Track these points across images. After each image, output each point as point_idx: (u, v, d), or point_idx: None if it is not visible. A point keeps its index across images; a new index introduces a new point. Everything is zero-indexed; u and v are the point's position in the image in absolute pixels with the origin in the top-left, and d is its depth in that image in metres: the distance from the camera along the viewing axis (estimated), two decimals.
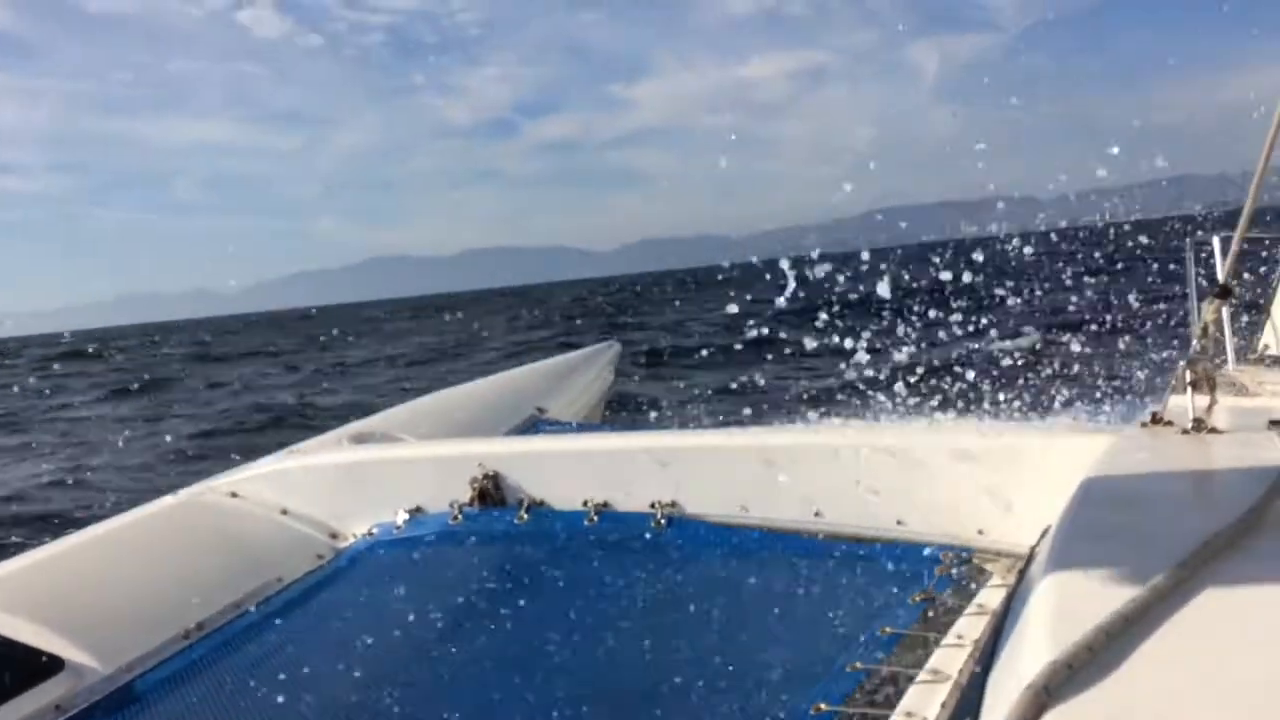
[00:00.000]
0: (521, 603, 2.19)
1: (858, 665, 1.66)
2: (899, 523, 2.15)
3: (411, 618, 2.19)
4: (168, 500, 2.75)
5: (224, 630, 2.20)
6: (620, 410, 6.15)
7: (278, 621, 2.24)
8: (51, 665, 1.95)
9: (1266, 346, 3.85)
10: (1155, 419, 2.11)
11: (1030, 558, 1.84)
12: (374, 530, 2.59)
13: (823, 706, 1.56)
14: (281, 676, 2.00)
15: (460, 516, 2.52)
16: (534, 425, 3.83)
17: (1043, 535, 1.78)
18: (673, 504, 2.36)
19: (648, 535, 2.33)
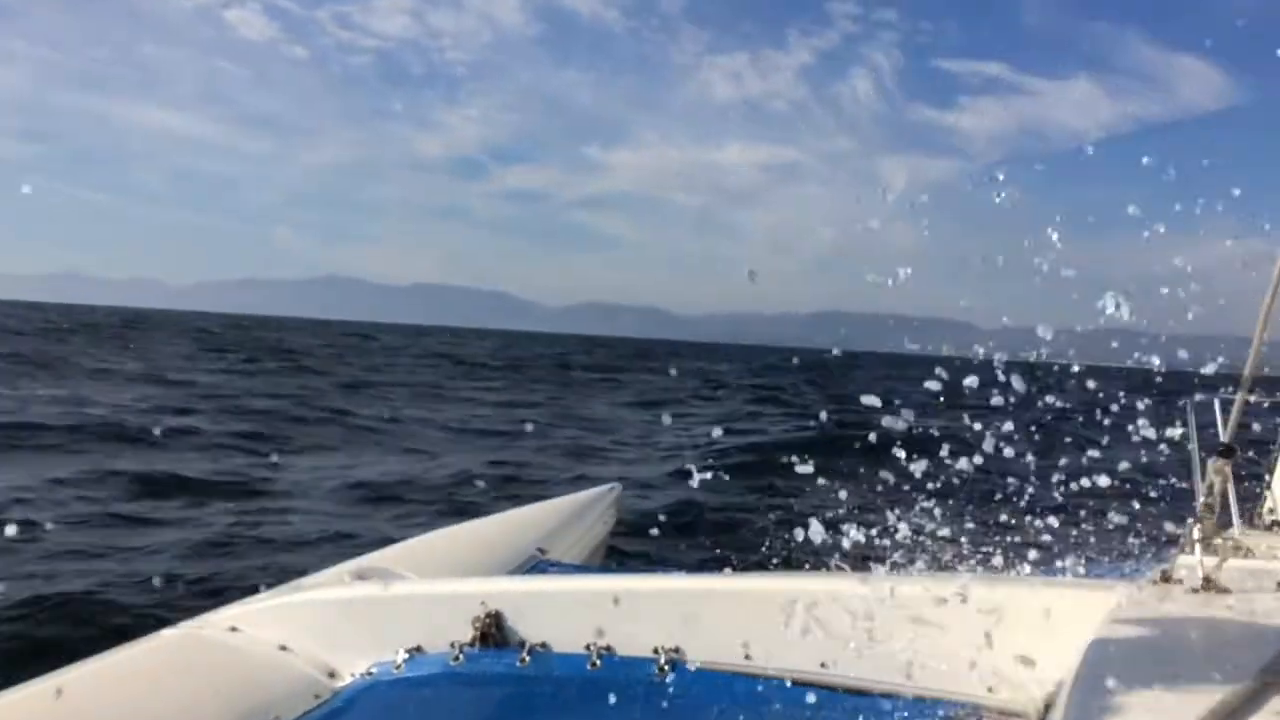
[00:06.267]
0: None
1: None
2: (908, 677, 2.11)
3: None
4: (166, 634, 2.68)
5: None
6: (622, 555, 6.28)
7: None
8: None
9: (1272, 511, 3.91)
10: (1164, 577, 2.11)
11: (1045, 714, 1.83)
12: (373, 670, 2.52)
13: None
14: None
15: (461, 657, 2.46)
16: (536, 565, 3.82)
17: (1056, 691, 1.77)
18: (676, 649, 2.32)
19: (651, 682, 2.30)
